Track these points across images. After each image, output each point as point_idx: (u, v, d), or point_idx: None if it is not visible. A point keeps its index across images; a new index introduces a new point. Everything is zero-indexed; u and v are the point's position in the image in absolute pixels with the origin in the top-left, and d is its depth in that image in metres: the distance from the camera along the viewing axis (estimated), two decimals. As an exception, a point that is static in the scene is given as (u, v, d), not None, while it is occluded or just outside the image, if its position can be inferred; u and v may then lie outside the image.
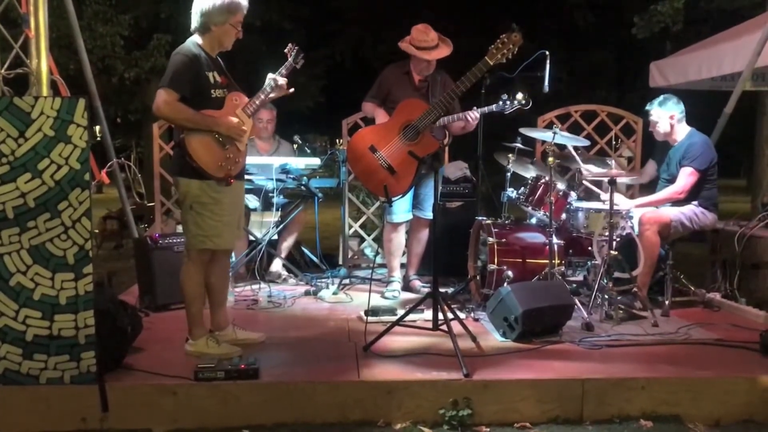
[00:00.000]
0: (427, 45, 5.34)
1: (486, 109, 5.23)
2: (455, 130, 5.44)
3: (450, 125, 5.37)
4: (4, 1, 4.78)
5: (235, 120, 4.00)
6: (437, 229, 4.61)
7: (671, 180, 5.35)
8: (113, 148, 6.35)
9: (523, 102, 5.11)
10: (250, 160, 5.75)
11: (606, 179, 5.07)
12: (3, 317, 3.50)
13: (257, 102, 4.11)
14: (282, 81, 4.14)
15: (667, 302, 5.11)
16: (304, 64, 4.25)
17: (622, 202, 5.25)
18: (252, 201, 6.09)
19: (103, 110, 6.26)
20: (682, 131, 5.40)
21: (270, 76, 4.13)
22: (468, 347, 4.16)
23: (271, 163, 5.83)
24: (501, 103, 5.14)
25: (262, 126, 6.21)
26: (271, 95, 4.15)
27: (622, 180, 5.59)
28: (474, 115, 5.22)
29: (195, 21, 3.98)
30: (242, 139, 4.06)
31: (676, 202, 5.27)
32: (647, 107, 5.47)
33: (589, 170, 5.30)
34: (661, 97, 5.44)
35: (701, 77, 7.33)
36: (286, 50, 4.18)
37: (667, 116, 5.37)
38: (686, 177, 5.20)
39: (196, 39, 4.01)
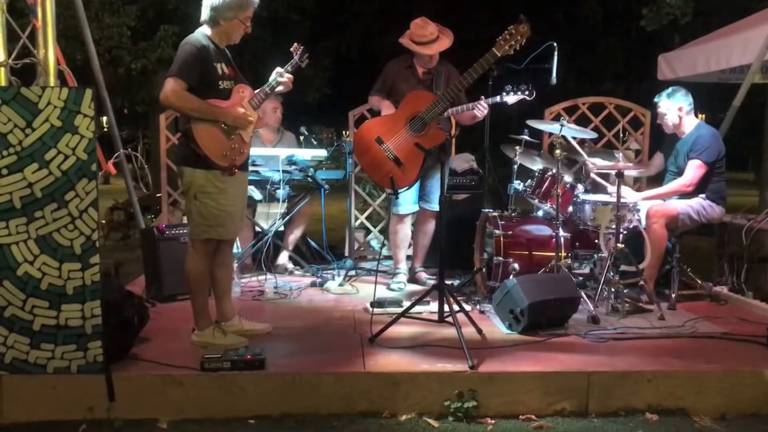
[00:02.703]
0: (426, 39, 5.34)
1: (491, 99, 5.22)
2: (465, 121, 5.43)
3: (459, 116, 5.37)
4: (12, -9, 4.79)
5: (241, 110, 4.01)
6: (443, 222, 4.60)
7: (679, 173, 5.33)
8: (120, 139, 6.36)
9: (527, 93, 5.11)
10: (257, 151, 5.77)
11: (613, 172, 5.06)
12: (10, 307, 3.51)
13: (262, 95, 4.14)
14: (288, 76, 4.16)
15: (673, 295, 5.10)
16: (311, 55, 4.31)
17: (629, 194, 5.23)
18: (257, 193, 6.09)
19: (110, 101, 6.27)
20: (690, 124, 5.38)
21: (277, 70, 4.16)
22: (473, 339, 4.17)
23: (278, 155, 5.83)
24: (505, 93, 5.14)
25: (274, 116, 6.22)
26: (278, 88, 4.18)
27: (630, 172, 5.57)
28: (483, 105, 5.21)
29: (205, 13, 3.99)
30: (248, 130, 4.07)
31: (684, 195, 5.24)
32: (656, 99, 5.45)
33: (595, 163, 5.29)
34: (670, 89, 5.42)
35: (710, 70, 7.28)
36: (291, 49, 4.23)
37: (675, 108, 5.34)
38: (694, 170, 5.18)
39: (205, 30, 4.03)
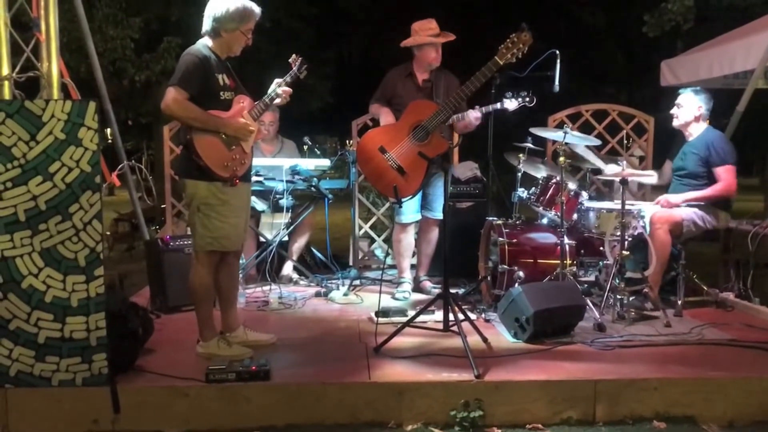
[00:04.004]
0: (434, 32, 5.42)
1: (484, 108, 5.22)
2: (458, 130, 5.45)
3: (453, 124, 5.38)
4: (15, 5, 4.80)
5: (242, 121, 4.02)
6: (447, 230, 4.60)
7: (685, 175, 5.30)
8: (124, 151, 6.37)
9: (527, 99, 5.11)
10: (261, 161, 5.77)
11: (618, 179, 5.04)
12: (15, 319, 3.51)
13: (262, 106, 4.15)
14: (286, 87, 4.17)
15: (679, 302, 5.08)
16: (314, 64, 4.31)
17: (672, 198, 5.22)
18: (260, 204, 6.09)
19: (115, 113, 6.28)
20: (700, 128, 5.34)
21: (276, 81, 4.17)
22: (479, 348, 4.15)
23: (281, 165, 5.83)
24: (506, 99, 5.14)
25: (265, 128, 6.20)
26: (276, 101, 4.19)
27: (642, 179, 5.56)
28: (475, 114, 5.21)
29: (206, 25, 4.01)
30: (248, 140, 4.08)
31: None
32: (680, 91, 5.43)
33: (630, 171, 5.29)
34: (698, 88, 5.43)
35: (713, 75, 7.28)
36: (290, 60, 4.22)
37: (695, 105, 5.31)
38: (729, 174, 5.16)
39: (206, 41, 4.04)
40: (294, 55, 4.23)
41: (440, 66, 5.53)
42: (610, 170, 5.21)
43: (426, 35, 5.40)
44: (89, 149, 3.50)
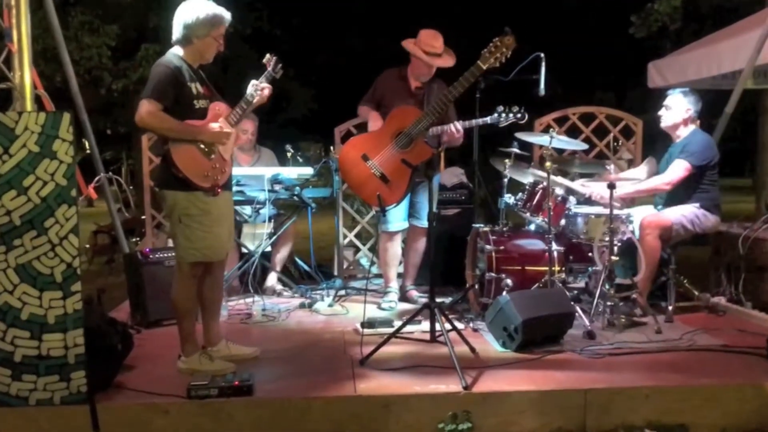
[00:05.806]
0: (434, 51, 5.26)
1: (468, 123, 5.16)
2: (441, 144, 5.36)
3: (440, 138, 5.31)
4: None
5: (217, 126, 3.95)
6: (433, 238, 4.54)
7: None
8: (102, 162, 6.27)
9: (519, 116, 5.06)
10: (242, 171, 5.68)
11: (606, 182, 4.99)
12: (-10, 338, 3.43)
13: (239, 111, 4.07)
14: (264, 85, 4.09)
15: (670, 307, 5.02)
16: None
17: (600, 190, 5.14)
18: (244, 213, 5.99)
19: (92, 123, 6.18)
20: (688, 130, 5.30)
21: (252, 83, 4.09)
22: (467, 358, 4.10)
23: (263, 174, 5.73)
24: (496, 115, 5.09)
25: (247, 137, 6.09)
26: (255, 99, 4.10)
27: (623, 184, 5.51)
28: (457, 127, 5.14)
29: (177, 33, 3.95)
30: (227, 147, 4.02)
31: (678, 203, 5.16)
32: (668, 92, 5.38)
33: (585, 183, 5.27)
34: (687, 89, 5.38)
35: (701, 76, 7.26)
36: (264, 60, 4.15)
37: (683, 107, 5.25)
38: (679, 170, 5.07)
39: (177, 51, 3.99)
40: (268, 55, 4.15)
41: (435, 75, 5.42)
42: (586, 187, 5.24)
43: (421, 50, 5.24)
44: (64, 162, 3.43)
